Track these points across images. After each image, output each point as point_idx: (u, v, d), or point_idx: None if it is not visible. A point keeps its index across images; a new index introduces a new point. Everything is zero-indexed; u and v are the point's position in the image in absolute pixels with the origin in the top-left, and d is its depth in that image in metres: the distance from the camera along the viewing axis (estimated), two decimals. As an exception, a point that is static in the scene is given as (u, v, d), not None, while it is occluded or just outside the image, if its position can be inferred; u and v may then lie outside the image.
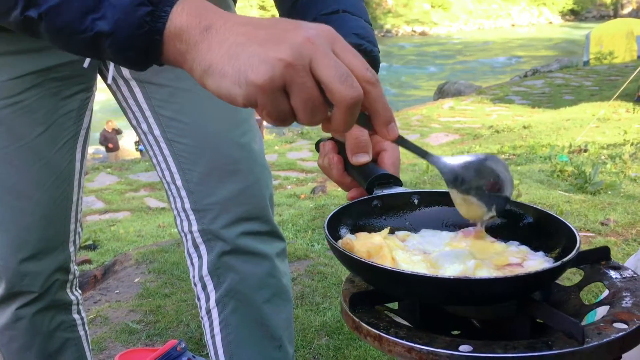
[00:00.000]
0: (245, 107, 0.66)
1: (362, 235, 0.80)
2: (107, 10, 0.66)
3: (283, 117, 0.67)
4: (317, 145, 0.98)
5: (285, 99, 0.66)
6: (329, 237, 0.75)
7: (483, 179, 0.75)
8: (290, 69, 0.63)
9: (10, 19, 0.71)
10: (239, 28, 0.66)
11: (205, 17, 0.67)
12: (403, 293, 0.72)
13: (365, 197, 0.86)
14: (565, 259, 0.66)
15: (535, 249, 0.77)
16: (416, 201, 0.87)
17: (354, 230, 0.82)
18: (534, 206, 0.81)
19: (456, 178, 0.75)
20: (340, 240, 0.79)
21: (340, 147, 0.92)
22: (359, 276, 0.77)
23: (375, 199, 0.85)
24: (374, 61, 1.04)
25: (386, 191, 0.85)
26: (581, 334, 0.60)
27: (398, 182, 0.87)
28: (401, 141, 0.75)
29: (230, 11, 1.29)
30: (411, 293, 0.70)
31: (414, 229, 0.84)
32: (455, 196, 0.76)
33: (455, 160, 0.76)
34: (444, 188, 0.81)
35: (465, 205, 0.76)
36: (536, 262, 0.73)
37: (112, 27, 0.67)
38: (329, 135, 0.92)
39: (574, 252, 0.67)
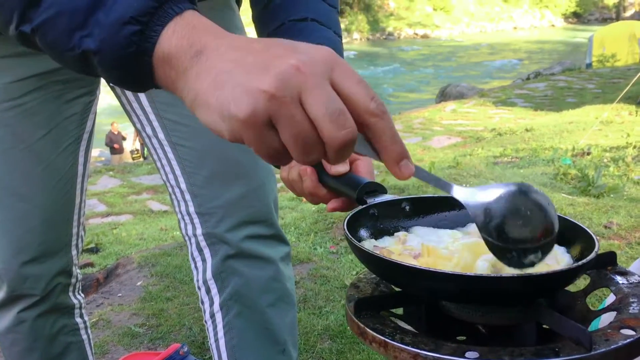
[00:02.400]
0: (233, 142, 0.61)
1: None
2: (94, 27, 0.62)
3: (274, 155, 0.60)
4: None
5: (274, 135, 0.59)
6: (349, 235, 0.74)
7: (526, 228, 0.64)
8: (275, 102, 0.57)
9: (9, 32, 0.69)
10: (230, 53, 0.60)
11: (197, 41, 0.62)
12: (418, 289, 0.71)
13: (361, 208, 0.84)
14: (584, 261, 0.65)
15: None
16: (407, 208, 0.86)
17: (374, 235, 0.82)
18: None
19: (489, 223, 0.64)
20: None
21: None
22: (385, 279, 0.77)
23: (371, 207, 0.84)
24: (338, 47, 1.05)
25: (378, 199, 0.83)
26: (589, 340, 0.60)
27: (383, 190, 0.84)
28: (419, 175, 0.66)
29: (233, 17, 1.30)
30: (424, 289, 0.69)
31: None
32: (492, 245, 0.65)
33: (484, 194, 0.65)
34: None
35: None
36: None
37: (97, 46, 0.63)
38: None
39: (592, 254, 0.66)
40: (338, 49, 1.05)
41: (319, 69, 0.58)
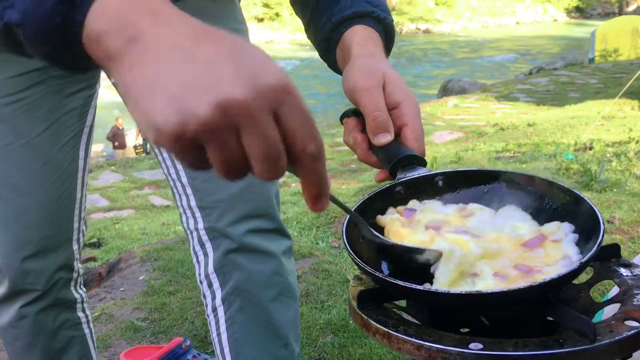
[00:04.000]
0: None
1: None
2: None
3: (197, 168, 0.56)
4: (341, 119, 0.94)
5: (201, 153, 0.54)
6: (349, 248, 0.74)
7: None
8: (208, 129, 0.51)
9: None
10: (169, 51, 0.54)
11: (133, 22, 0.55)
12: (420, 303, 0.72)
13: (386, 186, 0.84)
14: (583, 260, 0.65)
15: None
16: (440, 182, 0.85)
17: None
18: (564, 187, 0.79)
19: None
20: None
21: (364, 125, 0.88)
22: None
23: (398, 185, 0.84)
24: (387, 29, 1.03)
25: (409, 175, 0.83)
26: (593, 332, 0.60)
27: (422, 162, 0.84)
28: (334, 201, 0.69)
29: (234, 8, 1.28)
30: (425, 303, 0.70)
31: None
32: None
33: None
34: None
35: None
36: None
37: (20, 17, 0.57)
38: (352, 106, 0.89)
39: (593, 250, 0.66)
40: (383, 3, 1.04)
41: (264, 103, 0.53)
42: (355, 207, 0.81)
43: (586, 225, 0.73)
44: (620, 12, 55.38)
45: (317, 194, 0.61)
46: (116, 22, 0.55)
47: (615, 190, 4.40)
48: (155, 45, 0.54)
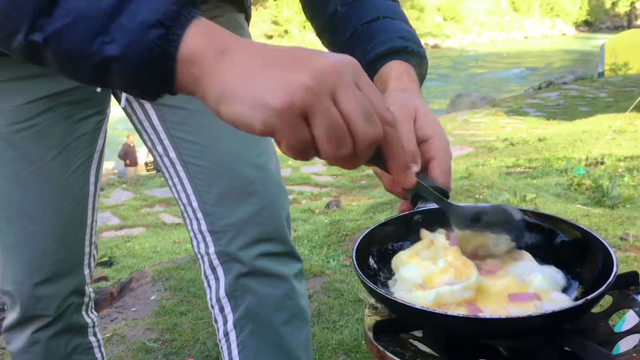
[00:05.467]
0: (263, 134, 0.61)
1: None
2: (117, 33, 0.62)
3: (304, 148, 0.62)
4: None
5: (306, 128, 0.61)
6: (360, 271, 0.73)
7: (497, 217, 0.76)
8: (312, 94, 0.59)
9: (13, 45, 0.66)
10: (256, 53, 0.63)
11: (220, 41, 0.64)
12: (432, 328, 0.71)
13: (404, 213, 0.84)
14: (589, 297, 0.64)
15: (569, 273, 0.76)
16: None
17: (379, 255, 0.81)
18: (573, 223, 0.79)
19: (473, 218, 0.75)
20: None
21: None
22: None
23: (417, 213, 0.84)
24: (421, 61, 1.03)
25: (428, 205, 0.83)
26: (614, 365, 0.58)
27: (444, 194, 0.83)
28: (419, 186, 0.74)
29: (242, 29, 1.30)
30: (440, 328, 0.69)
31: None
32: (471, 236, 0.76)
33: (469, 208, 0.77)
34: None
35: (484, 241, 0.76)
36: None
37: (122, 51, 0.62)
38: None
39: (603, 288, 0.65)
40: (415, 37, 1.05)
41: (350, 72, 0.62)
42: (372, 228, 0.83)
43: (598, 256, 0.72)
44: (630, 26, 55.33)
45: (405, 164, 0.68)
46: (208, 42, 0.63)
47: (628, 206, 4.37)
48: (243, 53, 0.63)
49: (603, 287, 0.64)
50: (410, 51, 1.01)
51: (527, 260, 0.77)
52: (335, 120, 0.60)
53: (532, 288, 0.70)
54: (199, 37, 0.63)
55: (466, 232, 0.76)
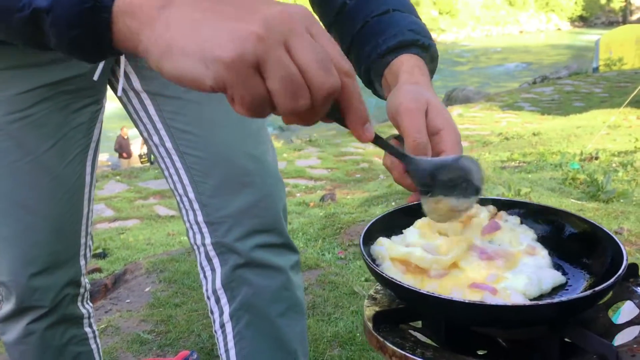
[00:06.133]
0: (213, 91, 0.57)
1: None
2: None
3: (258, 104, 0.58)
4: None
5: (260, 80, 0.57)
6: (366, 256, 0.73)
7: (453, 176, 0.76)
8: (263, 43, 0.55)
9: None
10: (202, 3, 0.59)
11: None
12: (430, 313, 0.71)
13: (410, 204, 0.84)
14: (597, 289, 0.63)
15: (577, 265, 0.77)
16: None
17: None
18: (583, 218, 0.79)
19: (431, 175, 0.75)
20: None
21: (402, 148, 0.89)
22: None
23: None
24: (432, 54, 1.03)
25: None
26: (615, 356, 0.58)
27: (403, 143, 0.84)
28: (377, 141, 0.71)
29: None
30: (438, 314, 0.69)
31: None
32: (427, 201, 0.76)
33: (429, 162, 0.77)
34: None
35: (438, 207, 0.76)
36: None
37: (50, 2, 0.59)
38: (395, 132, 0.89)
39: (612, 280, 0.65)
40: (425, 30, 1.04)
41: (302, 19, 0.58)
42: (377, 218, 0.83)
43: (606, 249, 0.72)
44: (624, 21, 55.41)
45: (364, 117, 0.64)
46: None
47: (622, 200, 4.39)
48: (187, 5, 0.58)
49: (612, 280, 0.63)
50: (421, 44, 1.00)
51: (539, 258, 0.76)
52: (290, 70, 0.56)
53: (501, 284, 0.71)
54: None
55: (427, 198, 0.76)
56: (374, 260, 0.77)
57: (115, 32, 0.60)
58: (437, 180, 0.75)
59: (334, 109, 0.62)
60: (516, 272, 0.73)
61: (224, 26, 0.56)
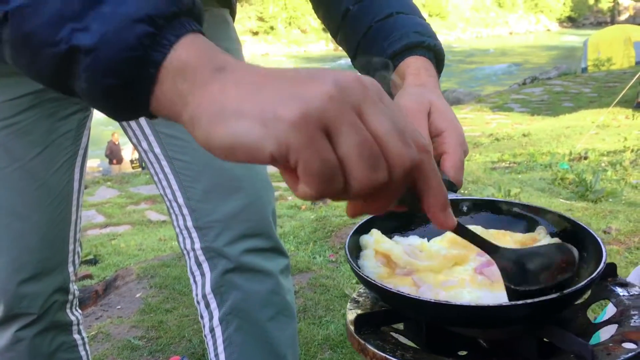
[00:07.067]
0: (273, 160, 0.48)
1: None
2: (94, 20, 0.51)
3: (328, 172, 0.48)
4: None
5: (330, 146, 0.48)
6: (351, 261, 0.74)
7: (547, 260, 0.68)
8: (335, 104, 0.48)
9: None
10: (259, 70, 0.52)
11: (217, 57, 0.53)
12: (412, 315, 0.72)
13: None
14: (569, 290, 0.64)
15: None
16: (465, 208, 0.86)
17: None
18: (567, 217, 0.81)
19: (519, 263, 0.68)
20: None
21: None
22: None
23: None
24: (438, 55, 1.03)
25: None
26: (590, 355, 0.60)
27: (452, 188, 0.83)
28: (460, 230, 0.63)
29: (227, 24, 1.30)
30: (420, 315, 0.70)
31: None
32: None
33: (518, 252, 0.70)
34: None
35: None
36: None
37: (95, 42, 0.51)
38: None
39: (601, 265, 0.66)
40: (431, 31, 1.04)
41: (373, 87, 0.51)
42: (364, 220, 0.83)
43: (587, 247, 0.74)
44: (613, 22, 55.76)
45: (445, 201, 0.54)
46: (204, 55, 0.52)
47: (610, 200, 4.42)
48: (243, 70, 0.52)
49: (584, 282, 0.64)
50: (427, 45, 1.01)
51: None
52: (367, 136, 0.48)
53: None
54: (193, 48, 0.52)
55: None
56: (360, 250, 0.78)
57: (157, 94, 0.53)
58: (525, 270, 0.68)
59: (408, 191, 0.53)
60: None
61: (289, 87, 0.49)
